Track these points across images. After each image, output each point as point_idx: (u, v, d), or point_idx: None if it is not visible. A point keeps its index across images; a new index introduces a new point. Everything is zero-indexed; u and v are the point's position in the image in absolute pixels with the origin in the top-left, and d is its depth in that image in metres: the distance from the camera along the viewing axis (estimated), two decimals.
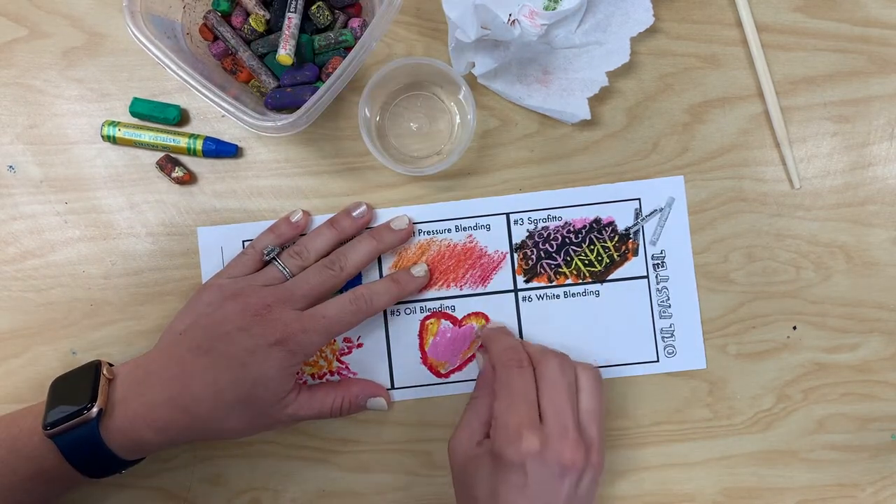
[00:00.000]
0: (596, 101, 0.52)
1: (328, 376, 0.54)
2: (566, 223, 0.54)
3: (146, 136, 0.53)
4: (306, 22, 0.52)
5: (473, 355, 0.53)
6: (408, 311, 0.54)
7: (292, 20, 0.50)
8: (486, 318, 0.53)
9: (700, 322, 0.53)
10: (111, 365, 0.48)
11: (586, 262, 0.54)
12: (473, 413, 0.48)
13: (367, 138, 0.50)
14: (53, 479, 0.46)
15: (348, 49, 0.52)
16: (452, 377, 0.53)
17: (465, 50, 0.51)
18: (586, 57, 0.53)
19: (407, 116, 0.54)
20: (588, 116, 0.51)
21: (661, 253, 0.53)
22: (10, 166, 0.54)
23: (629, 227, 0.53)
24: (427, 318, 0.54)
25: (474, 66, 0.51)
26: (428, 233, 0.54)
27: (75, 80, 0.54)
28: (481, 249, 0.54)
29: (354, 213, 0.52)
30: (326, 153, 0.54)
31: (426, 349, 0.54)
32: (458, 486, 0.47)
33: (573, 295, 0.53)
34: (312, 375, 0.54)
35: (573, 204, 0.54)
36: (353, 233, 0.52)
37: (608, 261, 0.54)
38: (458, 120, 0.53)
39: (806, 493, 0.53)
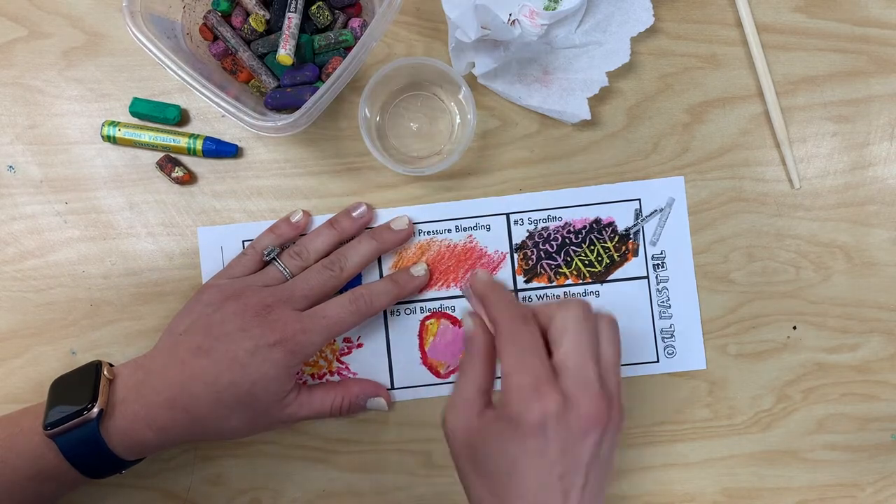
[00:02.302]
0: (596, 101, 0.52)
1: (328, 376, 0.54)
2: (566, 223, 0.54)
3: (146, 136, 0.53)
4: (306, 22, 0.52)
5: None
6: (408, 311, 0.54)
7: (292, 20, 0.50)
8: None
9: (700, 322, 0.53)
10: (111, 365, 0.48)
11: (586, 262, 0.54)
12: (468, 382, 0.42)
13: (367, 138, 0.50)
14: (53, 479, 0.46)
15: (348, 49, 0.52)
16: (452, 377, 0.53)
17: (465, 50, 0.50)
18: (586, 57, 0.53)
19: (407, 116, 0.53)
20: (588, 116, 0.51)
21: (661, 253, 0.53)
22: (10, 166, 0.54)
23: (629, 228, 0.53)
24: (427, 318, 0.54)
25: (474, 66, 0.51)
26: (428, 233, 0.54)
27: (75, 80, 0.54)
28: (481, 250, 0.54)
29: (354, 214, 0.52)
30: (326, 153, 0.54)
31: (426, 349, 0.54)
32: (465, 465, 0.41)
33: (573, 295, 0.53)
34: (312, 375, 0.54)
35: (573, 204, 0.54)
36: (354, 233, 0.52)
37: (608, 261, 0.53)
38: (458, 120, 0.53)
39: (806, 493, 0.53)
